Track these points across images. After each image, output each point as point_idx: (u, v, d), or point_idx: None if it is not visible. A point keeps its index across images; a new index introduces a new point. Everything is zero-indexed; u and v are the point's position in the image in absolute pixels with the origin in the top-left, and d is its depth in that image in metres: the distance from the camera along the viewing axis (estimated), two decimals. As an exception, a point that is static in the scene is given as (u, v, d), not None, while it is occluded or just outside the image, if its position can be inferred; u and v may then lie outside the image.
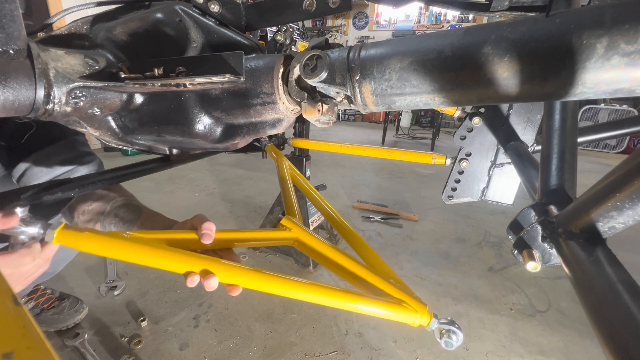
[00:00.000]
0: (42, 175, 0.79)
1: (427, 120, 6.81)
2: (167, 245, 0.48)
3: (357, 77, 0.41)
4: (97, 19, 0.54)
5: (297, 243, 0.59)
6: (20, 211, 0.47)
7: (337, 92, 0.44)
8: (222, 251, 0.57)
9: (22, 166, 0.79)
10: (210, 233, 0.52)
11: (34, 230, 0.47)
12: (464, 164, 0.94)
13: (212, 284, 0.46)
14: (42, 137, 0.80)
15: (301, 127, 1.70)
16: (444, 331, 0.47)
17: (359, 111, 0.48)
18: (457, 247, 1.96)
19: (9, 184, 0.82)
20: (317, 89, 0.45)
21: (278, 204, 1.81)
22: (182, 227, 0.60)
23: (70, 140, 0.84)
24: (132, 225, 0.69)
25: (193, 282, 0.46)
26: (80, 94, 0.47)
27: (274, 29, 0.98)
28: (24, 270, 0.49)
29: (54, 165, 0.80)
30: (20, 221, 0.46)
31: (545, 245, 0.44)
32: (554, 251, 0.43)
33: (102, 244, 0.45)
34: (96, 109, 0.51)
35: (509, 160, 0.88)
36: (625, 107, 4.90)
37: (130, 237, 0.47)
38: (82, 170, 0.82)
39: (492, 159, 0.92)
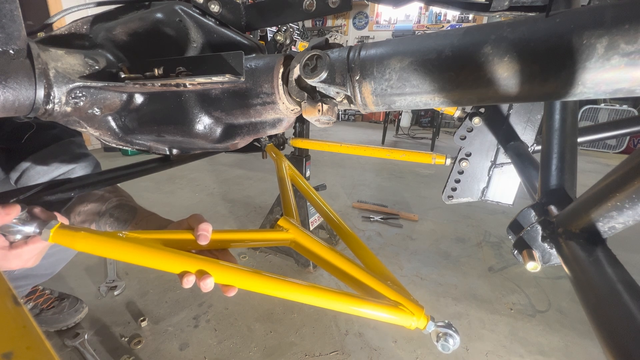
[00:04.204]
0: (39, 176, 0.80)
1: (427, 120, 6.80)
2: (162, 245, 0.48)
3: (357, 77, 0.41)
4: (97, 19, 0.54)
5: (294, 244, 0.59)
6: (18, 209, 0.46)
7: (337, 92, 0.44)
8: (217, 251, 0.56)
9: (19, 167, 0.79)
10: (206, 234, 0.52)
11: (29, 229, 0.47)
12: (464, 164, 0.94)
13: (208, 285, 0.45)
14: (40, 139, 0.81)
15: (301, 127, 1.70)
16: (440, 334, 0.46)
17: (359, 111, 0.47)
18: (457, 247, 1.96)
19: (7, 187, 0.82)
20: (317, 89, 0.45)
21: (278, 204, 1.81)
22: (178, 226, 0.60)
23: (67, 142, 0.85)
24: (127, 225, 0.69)
25: (189, 282, 0.46)
26: (80, 94, 0.47)
27: (274, 29, 0.98)
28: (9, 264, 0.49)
29: (51, 167, 0.80)
30: (17, 220, 0.46)
31: (545, 245, 0.44)
32: (554, 251, 0.43)
33: (97, 244, 0.45)
34: (96, 109, 0.51)
35: (509, 160, 0.88)
36: (625, 107, 4.90)
37: (126, 236, 0.47)
38: (79, 172, 0.83)
39: (492, 159, 0.92)
